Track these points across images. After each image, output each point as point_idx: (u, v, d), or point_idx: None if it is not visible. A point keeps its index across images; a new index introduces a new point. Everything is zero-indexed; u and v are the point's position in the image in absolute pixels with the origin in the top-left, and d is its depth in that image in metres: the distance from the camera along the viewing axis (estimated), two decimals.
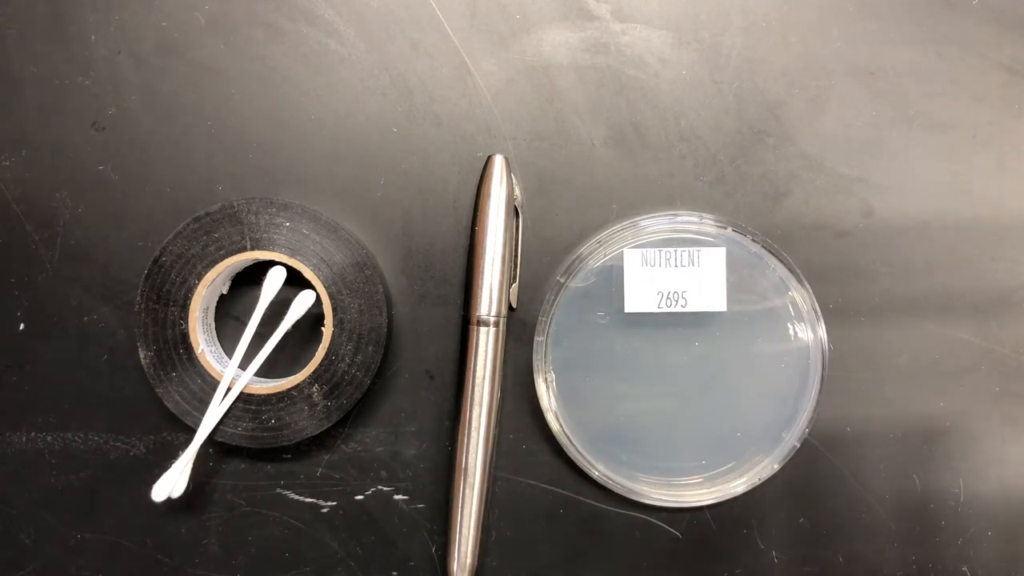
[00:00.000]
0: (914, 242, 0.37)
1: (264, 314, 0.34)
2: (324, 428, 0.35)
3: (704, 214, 0.37)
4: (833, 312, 0.37)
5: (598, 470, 0.36)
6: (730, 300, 0.36)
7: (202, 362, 0.34)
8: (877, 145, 0.37)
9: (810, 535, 0.38)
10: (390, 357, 0.37)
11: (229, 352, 0.36)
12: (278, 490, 0.37)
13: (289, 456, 0.37)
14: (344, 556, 0.37)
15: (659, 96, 0.37)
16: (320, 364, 0.35)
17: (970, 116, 0.37)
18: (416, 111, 0.37)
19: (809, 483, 0.38)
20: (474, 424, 0.35)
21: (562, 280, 0.36)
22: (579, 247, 0.37)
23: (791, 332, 0.36)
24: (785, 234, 0.37)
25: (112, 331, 0.36)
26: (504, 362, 0.36)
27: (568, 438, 0.36)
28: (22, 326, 0.36)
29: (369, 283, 0.35)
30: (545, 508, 0.37)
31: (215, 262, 0.34)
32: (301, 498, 0.37)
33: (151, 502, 0.34)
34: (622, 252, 0.36)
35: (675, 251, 0.36)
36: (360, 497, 0.37)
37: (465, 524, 0.35)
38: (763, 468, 0.36)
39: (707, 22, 0.37)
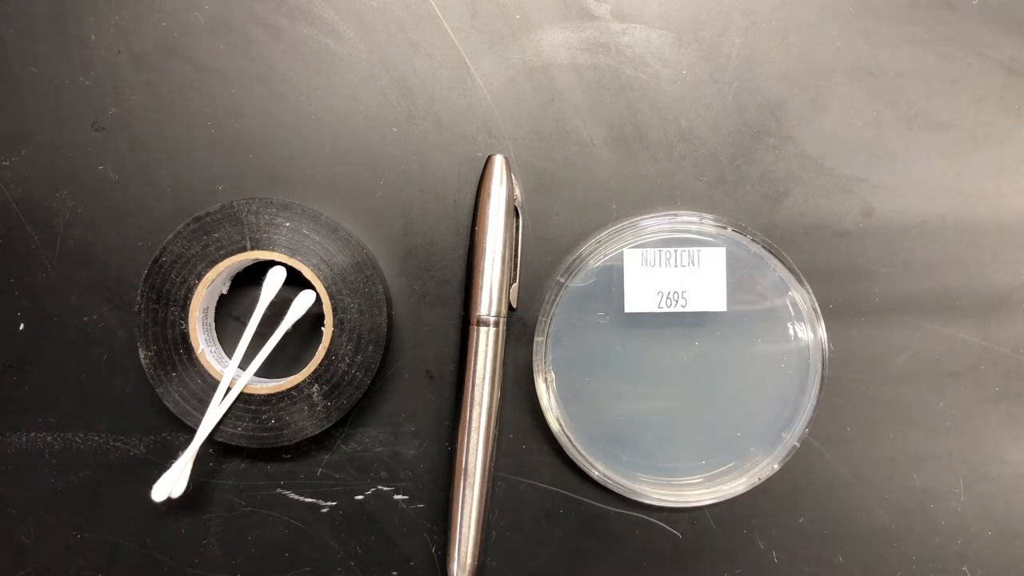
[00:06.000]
0: (914, 242, 0.37)
1: (264, 314, 0.34)
2: (324, 428, 0.35)
3: (704, 214, 0.37)
4: (833, 312, 0.37)
5: (598, 470, 0.36)
6: (730, 300, 0.36)
7: (202, 362, 0.34)
8: (877, 145, 0.37)
9: (810, 535, 0.38)
10: (390, 357, 0.37)
11: (229, 352, 0.36)
12: (278, 490, 0.37)
13: (289, 456, 0.37)
14: (344, 556, 0.37)
15: (659, 96, 0.37)
16: (320, 364, 0.35)
17: (970, 116, 0.37)
18: (416, 111, 0.37)
19: (809, 483, 0.38)
20: (474, 424, 0.35)
21: (562, 280, 0.36)
22: (579, 247, 0.37)
23: (791, 332, 0.36)
24: (785, 234, 0.37)
25: (112, 331, 0.36)
26: (504, 362, 0.36)
27: (568, 438, 0.36)
28: (22, 326, 0.36)
29: (369, 283, 0.35)
30: (545, 508, 0.37)
31: (215, 262, 0.34)
32: (301, 498, 0.37)
33: (151, 502, 0.34)
34: (622, 252, 0.36)
35: (675, 251, 0.36)
36: (360, 497, 0.37)
37: (465, 524, 0.35)
38: (763, 468, 0.36)
39: (707, 22, 0.37)
